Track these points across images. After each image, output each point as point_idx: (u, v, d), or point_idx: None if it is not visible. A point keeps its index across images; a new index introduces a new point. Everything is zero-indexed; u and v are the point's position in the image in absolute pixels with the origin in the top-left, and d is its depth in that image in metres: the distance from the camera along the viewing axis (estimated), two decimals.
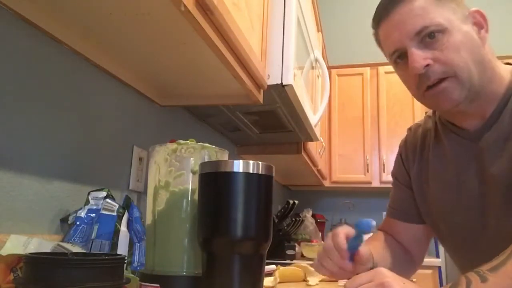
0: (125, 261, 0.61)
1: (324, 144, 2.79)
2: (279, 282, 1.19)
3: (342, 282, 1.14)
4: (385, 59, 0.89)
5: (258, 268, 0.62)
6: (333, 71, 3.39)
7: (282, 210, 2.27)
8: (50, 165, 0.94)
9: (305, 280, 1.26)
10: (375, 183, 3.22)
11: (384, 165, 3.20)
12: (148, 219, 0.69)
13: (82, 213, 0.91)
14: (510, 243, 0.67)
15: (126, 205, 1.00)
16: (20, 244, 0.75)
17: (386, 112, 3.26)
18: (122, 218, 0.93)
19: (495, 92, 0.81)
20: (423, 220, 0.99)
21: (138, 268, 0.93)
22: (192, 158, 0.68)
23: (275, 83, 1.32)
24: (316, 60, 1.92)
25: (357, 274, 0.65)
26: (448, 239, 0.96)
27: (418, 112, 3.08)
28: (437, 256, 2.96)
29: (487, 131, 0.82)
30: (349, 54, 3.54)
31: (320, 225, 3.31)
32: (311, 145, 2.32)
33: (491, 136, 0.81)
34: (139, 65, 1.14)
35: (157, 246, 0.66)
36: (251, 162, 0.61)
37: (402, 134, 1.08)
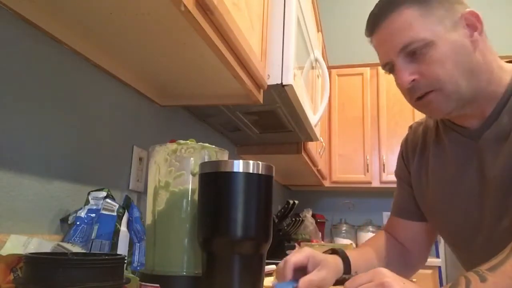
0: (125, 261, 0.61)
1: (324, 144, 2.79)
2: None
3: None
4: None
5: (258, 268, 0.62)
6: (333, 71, 3.39)
7: (282, 210, 2.27)
8: (50, 165, 0.94)
9: None
10: (375, 183, 3.22)
11: (384, 165, 3.20)
12: (148, 219, 0.69)
13: (82, 213, 0.91)
14: (506, 241, 0.67)
15: (126, 205, 1.00)
16: (20, 244, 0.75)
17: (386, 112, 3.26)
18: (122, 218, 0.93)
19: (494, 92, 0.80)
20: (424, 218, 0.99)
21: (138, 268, 0.93)
22: (192, 158, 0.68)
23: (275, 83, 1.32)
24: (316, 60, 1.92)
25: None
26: (446, 235, 0.96)
27: (418, 112, 3.07)
28: (437, 256, 2.96)
29: (486, 129, 0.82)
30: (349, 54, 3.54)
31: (320, 225, 3.32)
32: (311, 145, 2.32)
33: (490, 134, 0.81)
34: (139, 65, 1.14)
35: (157, 246, 0.66)
36: (251, 162, 0.61)
37: (402, 134, 1.08)
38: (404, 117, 3.15)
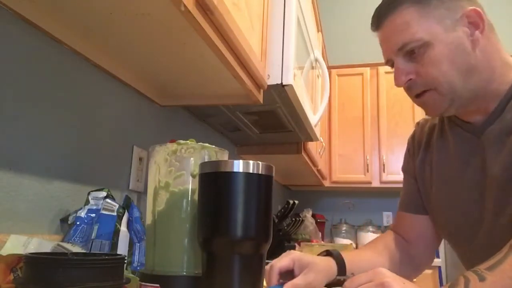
0: (125, 261, 0.61)
1: (324, 144, 2.79)
2: None
3: None
4: None
5: (258, 268, 0.62)
6: (333, 71, 3.39)
7: (282, 210, 2.27)
8: (50, 165, 0.94)
9: None
10: (375, 183, 3.21)
11: (384, 165, 3.19)
12: (148, 219, 0.69)
13: (82, 213, 0.91)
14: (506, 239, 0.67)
15: (126, 205, 1.00)
16: (20, 244, 0.75)
17: (386, 112, 3.26)
18: (122, 218, 0.93)
19: (496, 90, 0.81)
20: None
21: (138, 268, 0.93)
22: (192, 158, 0.68)
23: (275, 83, 1.32)
24: (316, 60, 1.92)
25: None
26: (447, 234, 0.96)
27: (418, 112, 3.07)
28: (437, 256, 2.96)
29: (489, 125, 0.82)
30: (349, 54, 3.54)
31: (320, 225, 3.32)
32: (311, 145, 2.32)
33: (493, 130, 0.82)
34: (139, 65, 1.14)
35: (157, 246, 0.66)
36: (251, 162, 0.61)
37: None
38: (404, 117, 3.15)
